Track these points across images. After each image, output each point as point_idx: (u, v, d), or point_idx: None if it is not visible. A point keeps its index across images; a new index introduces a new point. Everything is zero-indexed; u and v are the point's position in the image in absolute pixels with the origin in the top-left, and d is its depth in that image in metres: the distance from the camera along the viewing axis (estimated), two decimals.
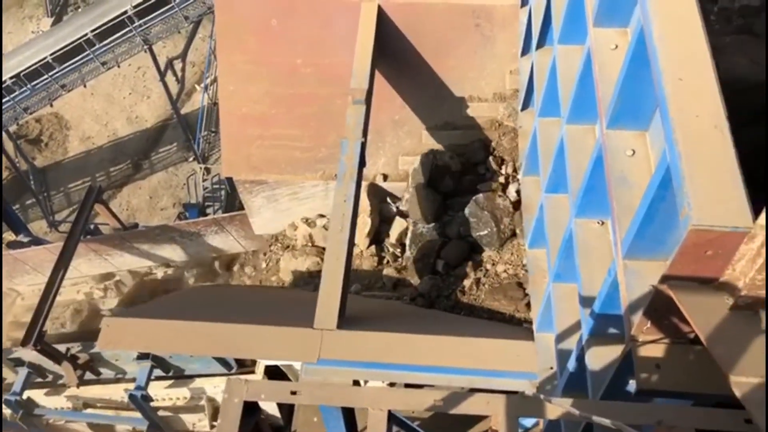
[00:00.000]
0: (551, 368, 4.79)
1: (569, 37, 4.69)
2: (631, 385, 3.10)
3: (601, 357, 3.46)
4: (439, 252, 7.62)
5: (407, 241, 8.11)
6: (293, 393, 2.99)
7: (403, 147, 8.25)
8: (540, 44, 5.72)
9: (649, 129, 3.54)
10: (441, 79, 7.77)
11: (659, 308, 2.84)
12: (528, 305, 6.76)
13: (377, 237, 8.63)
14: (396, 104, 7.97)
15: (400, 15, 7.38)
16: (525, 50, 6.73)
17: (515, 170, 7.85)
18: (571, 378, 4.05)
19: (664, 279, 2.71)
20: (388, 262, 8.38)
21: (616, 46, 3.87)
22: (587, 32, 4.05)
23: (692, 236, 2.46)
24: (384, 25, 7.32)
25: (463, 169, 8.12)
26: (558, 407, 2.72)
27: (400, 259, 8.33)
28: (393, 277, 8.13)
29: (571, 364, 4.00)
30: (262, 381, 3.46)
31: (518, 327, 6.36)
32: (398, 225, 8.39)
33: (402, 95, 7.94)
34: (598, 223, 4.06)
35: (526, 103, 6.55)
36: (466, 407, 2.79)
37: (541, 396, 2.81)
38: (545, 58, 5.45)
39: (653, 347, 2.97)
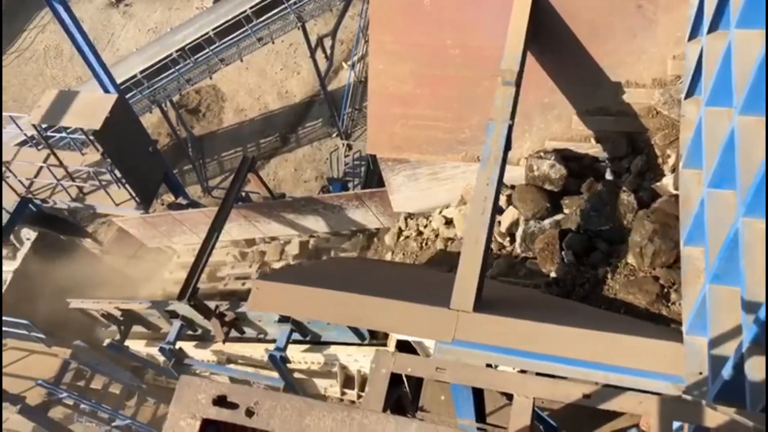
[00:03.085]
0: (700, 373, 4.51)
1: (750, 20, 4.32)
2: None
3: (765, 367, 3.20)
4: (561, 243, 7.42)
5: (518, 237, 7.96)
6: (438, 369, 3.03)
7: (551, 131, 8.02)
8: (712, 28, 5.31)
9: None
10: (596, 63, 7.45)
11: None
12: (663, 300, 6.42)
13: None
14: (546, 87, 7.75)
15: None
16: (693, 34, 6.28)
17: (668, 170, 7.44)
18: (726, 386, 3.78)
19: None
20: (491, 251, 8.27)
21: None
22: None
23: None
24: (539, 6, 7.12)
25: (572, 173, 7.96)
26: (722, 415, 2.55)
27: (507, 249, 8.20)
28: (503, 267, 8.03)
29: (727, 372, 3.74)
30: (409, 355, 3.55)
31: (665, 327, 6.04)
32: (510, 215, 8.21)
33: (553, 78, 7.70)
34: None
35: (691, 91, 6.12)
36: (616, 404, 2.69)
37: (704, 401, 2.65)
38: (718, 42, 5.07)
39: None
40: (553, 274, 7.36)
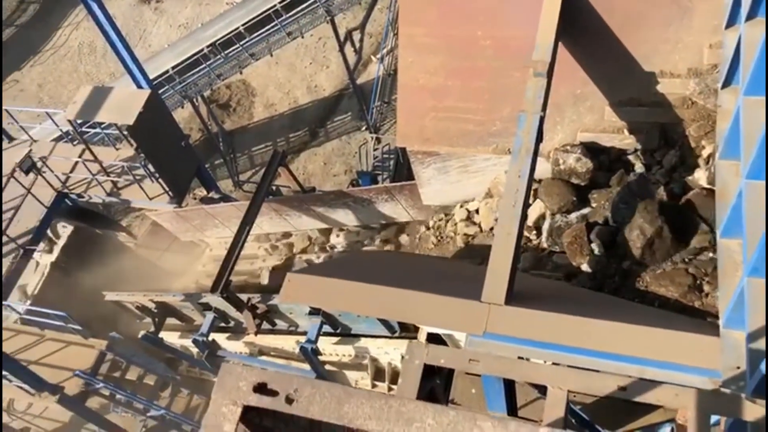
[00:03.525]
0: (738, 368, 4.43)
1: None
2: None
3: None
4: (588, 236, 7.36)
5: (544, 231, 7.91)
6: (472, 361, 3.03)
7: (583, 123, 7.94)
8: (751, 15, 5.20)
9: None
10: (629, 53, 7.35)
11: None
12: (696, 291, 6.33)
13: None
14: (578, 78, 7.66)
15: None
16: (731, 21, 6.14)
17: (702, 162, 7.31)
18: (764, 380, 3.72)
19: None
20: None
21: None
22: None
23: None
24: None
25: (601, 166, 7.89)
26: (760, 408, 2.52)
27: (533, 243, 8.15)
28: (530, 260, 7.99)
29: (765, 366, 3.68)
30: (442, 347, 3.56)
31: (701, 320, 5.96)
32: (537, 208, 8.15)
33: (585, 69, 7.61)
34: None
35: (728, 80, 6.00)
36: (652, 397, 2.67)
37: (743, 395, 2.61)
38: (756, 30, 4.96)
39: None
40: (584, 267, 7.31)
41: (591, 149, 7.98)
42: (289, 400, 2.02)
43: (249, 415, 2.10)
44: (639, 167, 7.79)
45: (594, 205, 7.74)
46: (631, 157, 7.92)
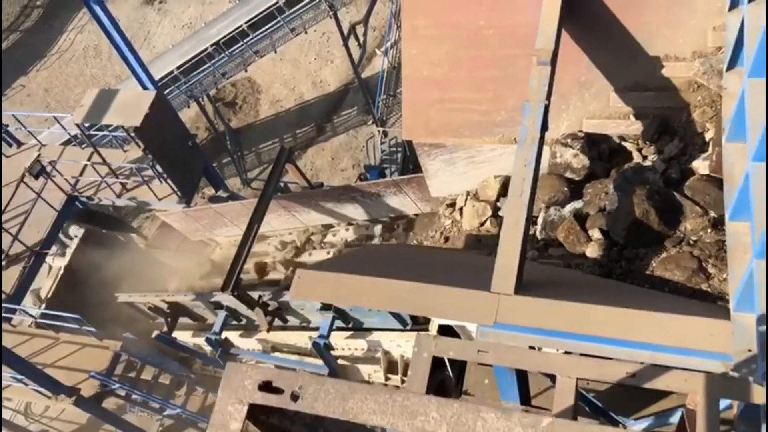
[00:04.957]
0: (749, 351, 4.41)
1: None
2: None
3: None
4: (582, 226, 7.35)
5: (539, 224, 7.90)
6: (480, 352, 3.04)
7: (588, 110, 7.89)
8: None
9: None
10: (633, 37, 7.30)
11: None
12: (701, 274, 6.32)
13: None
14: (582, 65, 7.62)
15: None
16: (734, 3, 6.10)
17: (703, 148, 7.27)
18: None
19: None
20: None
21: None
22: None
23: None
24: None
25: (601, 156, 7.89)
26: None
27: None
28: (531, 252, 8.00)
29: None
30: (450, 338, 3.56)
31: (712, 304, 5.93)
32: None
33: (589, 55, 7.56)
34: None
35: (733, 63, 5.95)
36: (661, 382, 2.66)
37: (751, 378, 2.60)
38: (759, 11, 4.91)
39: None
40: (588, 253, 7.29)
41: (593, 139, 7.94)
42: (294, 397, 2.03)
43: (255, 413, 2.12)
44: (638, 156, 7.77)
45: (587, 198, 7.73)
46: (631, 146, 7.89)
